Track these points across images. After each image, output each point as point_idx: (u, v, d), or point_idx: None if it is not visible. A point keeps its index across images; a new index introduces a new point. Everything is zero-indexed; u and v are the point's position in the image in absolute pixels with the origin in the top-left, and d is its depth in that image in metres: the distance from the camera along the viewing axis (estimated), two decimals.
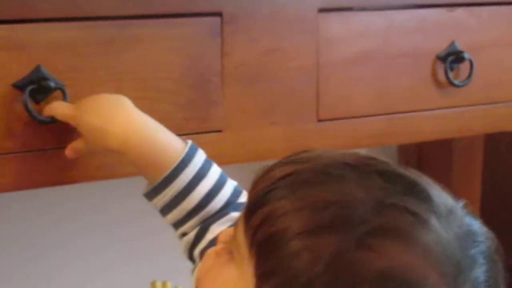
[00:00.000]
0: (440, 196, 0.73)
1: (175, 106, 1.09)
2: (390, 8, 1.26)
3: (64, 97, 0.99)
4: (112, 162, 1.05)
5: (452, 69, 1.33)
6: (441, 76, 1.32)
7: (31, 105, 0.97)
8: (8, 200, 1.40)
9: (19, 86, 0.98)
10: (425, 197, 0.72)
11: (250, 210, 0.74)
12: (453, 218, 0.72)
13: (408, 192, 0.72)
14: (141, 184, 0.97)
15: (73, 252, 1.48)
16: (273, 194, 0.73)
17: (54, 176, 1.02)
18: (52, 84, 0.98)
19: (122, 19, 1.04)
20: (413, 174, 0.74)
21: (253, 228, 0.73)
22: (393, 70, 1.27)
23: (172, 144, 0.97)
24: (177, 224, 0.98)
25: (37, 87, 0.98)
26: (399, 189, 0.72)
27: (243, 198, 0.99)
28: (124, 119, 0.96)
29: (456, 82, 1.32)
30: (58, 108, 0.98)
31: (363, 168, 0.73)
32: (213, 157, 1.00)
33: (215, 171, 0.98)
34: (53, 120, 0.98)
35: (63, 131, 0.99)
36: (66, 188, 1.05)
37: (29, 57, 0.98)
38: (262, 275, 0.72)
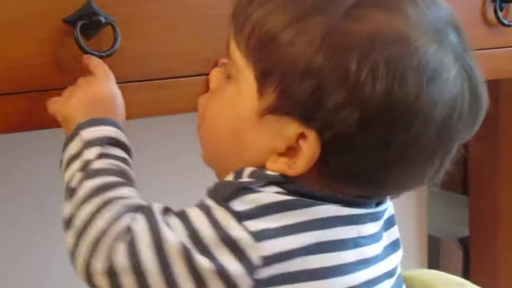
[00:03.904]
0: None
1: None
2: None
3: (115, 32, 0.93)
4: (169, 97, 0.99)
5: (501, 8, 1.25)
6: (491, 15, 1.24)
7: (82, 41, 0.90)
8: None
9: (70, 21, 0.91)
10: None
11: (238, 24, 0.77)
12: None
13: None
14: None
15: None
16: (255, 2, 0.75)
17: None
18: (102, 19, 0.92)
19: None
20: None
21: (245, 37, 0.76)
22: None
23: None
24: None
25: (88, 22, 0.91)
26: None
27: None
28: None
29: (505, 21, 1.24)
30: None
31: None
32: None
33: None
34: (106, 54, 0.92)
35: (113, 67, 0.92)
36: None
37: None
38: (262, 74, 0.74)
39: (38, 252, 1.37)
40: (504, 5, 1.24)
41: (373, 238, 0.77)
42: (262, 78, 0.74)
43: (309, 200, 0.74)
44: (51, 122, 0.89)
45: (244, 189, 0.73)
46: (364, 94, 0.70)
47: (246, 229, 0.72)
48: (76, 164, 0.80)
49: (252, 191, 0.73)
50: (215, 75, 0.83)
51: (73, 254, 0.75)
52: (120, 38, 0.93)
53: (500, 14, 1.24)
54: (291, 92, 0.72)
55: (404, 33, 0.72)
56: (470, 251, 1.78)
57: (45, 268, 1.37)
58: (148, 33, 0.96)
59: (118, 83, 0.92)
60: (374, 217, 0.78)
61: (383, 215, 0.80)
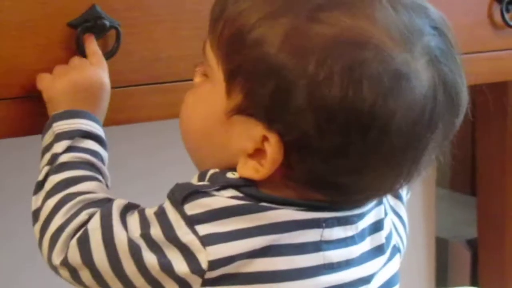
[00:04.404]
0: None
1: None
2: None
3: (118, 36, 0.93)
4: (175, 101, 0.97)
5: (508, 10, 1.24)
6: (497, 17, 1.24)
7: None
8: None
9: (75, 25, 0.91)
10: None
11: (213, 22, 0.76)
12: None
13: None
14: None
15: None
16: (229, 1, 0.75)
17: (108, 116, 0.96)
18: (107, 23, 0.92)
19: None
20: None
21: (218, 35, 0.75)
22: (449, 11, 1.17)
23: None
24: None
25: (93, 26, 0.91)
26: None
27: None
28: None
29: None
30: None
31: None
32: None
33: None
34: (106, 57, 0.92)
35: (118, 71, 0.93)
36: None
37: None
38: (230, 75, 0.74)
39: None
40: (510, 7, 1.24)
41: (343, 242, 0.76)
42: (230, 78, 0.74)
43: (264, 204, 0.74)
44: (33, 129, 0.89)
45: (197, 193, 0.74)
46: (320, 99, 0.69)
47: (196, 233, 0.72)
48: (46, 158, 0.84)
49: (205, 195, 0.74)
50: (198, 70, 0.82)
51: (39, 247, 0.80)
52: (125, 42, 0.93)
53: (506, 16, 1.23)
54: (254, 93, 0.72)
55: (367, 38, 0.70)
56: (479, 253, 1.77)
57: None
58: (153, 37, 0.96)
59: (123, 87, 0.92)
60: (344, 221, 0.76)
61: (358, 219, 0.78)
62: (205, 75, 0.79)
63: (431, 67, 0.71)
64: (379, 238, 0.80)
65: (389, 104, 0.69)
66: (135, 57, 0.96)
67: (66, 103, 0.86)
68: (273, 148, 0.72)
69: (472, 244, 1.81)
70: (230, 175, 0.75)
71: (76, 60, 0.90)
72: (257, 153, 0.74)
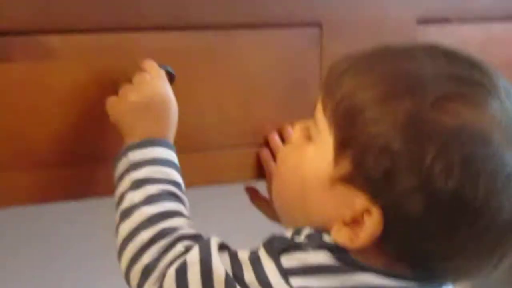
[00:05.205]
0: (499, 74, 0.76)
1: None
2: (488, 20, 1.18)
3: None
4: (218, 167, 1.00)
5: None
6: None
7: None
8: None
9: None
10: (490, 73, 0.75)
11: (330, 89, 0.78)
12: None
13: (475, 68, 0.75)
14: None
15: None
16: (350, 72, 0.77)
17: None
18: None
19: (224, 28, 0.98)
20: (476, 56, 0.78)
21: (333, 104, 0.77)
22: None
23: None
24: None
25: None
26: (465, 66, 0.76)
27: None
28: None
29: None
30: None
31: (430, 49, 0.78)
32: None
33: None
34: None
35: None
36: None
37: (134, 65, 0.91)
38: (341, 144, 0.75)
39: None
40: None
41: None
42: (341, 147, 0.76)
43: (354, 268, 0.75)
44: (81, 194, 0.92)
45: (296, 247, 0.76)
46: (434, 187, 0.71)
47: (289, 284, 0.74)
48: (124, 184, 0.83)
49: (303, 250, 0.75)
50: (299, 130, 0.84)
51: (126, 277, 0.79)
52: None
53: None
54: (365, 167, 0.73)
55: (486, 134, 0.72)
56: None
57: None
58: (196, 104, 0.97)
59: None
60: None
61: None
62: (308, 137, 0.81)
63: None
64: None
65: (499, 201, 0.71)
66: (178, 124, 0.95)
67: (129, 124, 0.86)
68: (373, 221, 0.73)
69: None
70: (326, 237, 0.76)
71: (137, 77, 0.89)
72: (353, 222, 0.75)
